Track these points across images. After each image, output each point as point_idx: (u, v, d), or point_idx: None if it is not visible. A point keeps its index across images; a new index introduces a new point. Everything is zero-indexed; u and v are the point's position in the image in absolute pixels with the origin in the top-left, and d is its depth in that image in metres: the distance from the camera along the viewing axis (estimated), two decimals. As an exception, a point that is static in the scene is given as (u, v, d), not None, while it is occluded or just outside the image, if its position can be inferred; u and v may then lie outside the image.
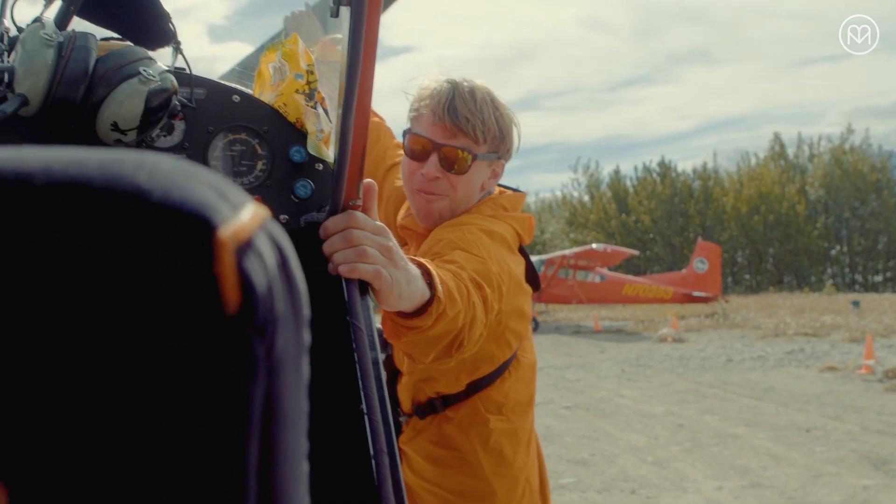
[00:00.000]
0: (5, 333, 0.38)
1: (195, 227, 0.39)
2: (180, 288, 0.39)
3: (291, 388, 0.45)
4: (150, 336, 0.39)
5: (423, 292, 1.55)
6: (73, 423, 0.38)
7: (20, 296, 0.38)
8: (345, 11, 1.27)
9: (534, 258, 28.36)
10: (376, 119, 2.77)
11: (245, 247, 0.41)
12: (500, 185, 2.40)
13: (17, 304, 0.38)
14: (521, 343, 2.31)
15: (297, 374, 0.46)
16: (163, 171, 0.41)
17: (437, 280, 1.59)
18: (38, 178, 0.39)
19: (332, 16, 1.29)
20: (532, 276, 2.31)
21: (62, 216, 0.38)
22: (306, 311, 0.47)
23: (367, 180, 1.52)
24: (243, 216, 0.42)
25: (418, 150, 2.18)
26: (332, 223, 1.49)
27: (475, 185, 2.23)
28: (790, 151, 52.55)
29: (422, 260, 1.63)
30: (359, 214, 1.50)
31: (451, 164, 2.15)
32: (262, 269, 0.42)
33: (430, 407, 2.32)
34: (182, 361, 0.39)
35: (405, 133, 2.25)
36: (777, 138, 53.14)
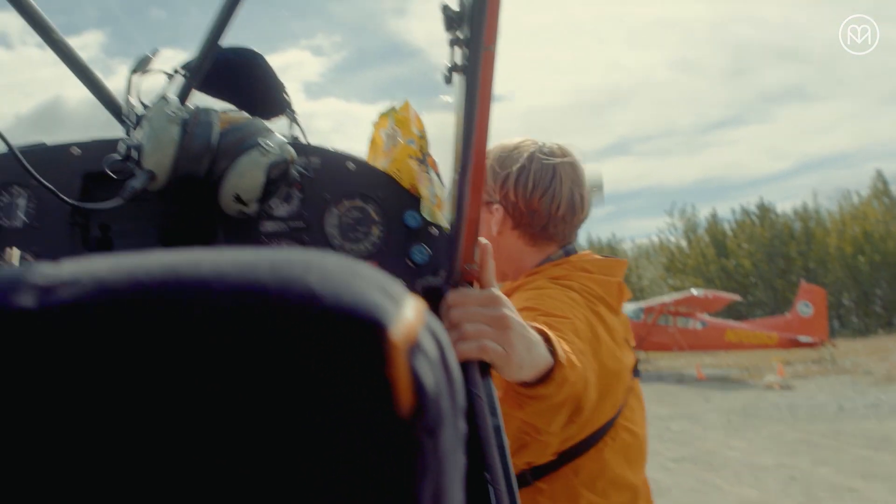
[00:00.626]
0: (185, 439, 0.38)
1: (368, 330, 0.40)
2: (356, 392, 0.39)
3: (453, 481, 0.46)
4: (325, 441, 0.39)
5: (545, 359, 1.52)
6: None
7: (198, 401, 0.38)
8: (457, 78, 1.29)
9: (632, 305, 28.00)
10: None
11: (414, 347, 0.41)
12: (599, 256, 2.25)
13: (197, 409, 0.38)
14: (620, 410, 2.13)
15: (456, 466, 0.47)
16: (331, 271, 0.42)
17: (557, 345, 1.56)
18: (215, 284, 0.40)
19: (445, 83, 1.32)
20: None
21: (239, 322, 0.39)
22: (462, 401, 0.48)
23: (480, 240, 1.52)
24: (409, 314, 0.43)
25: None
26: (443, 306, 1.49)
27: (489, 236, 2.15)
28: (894, 188, 50.81)
29: (540, 326, 1.60)
30: (461, 292, 1.49)
31: None
32: (430, 368, 0.42)
33: (522, 479, 2.09)
34: (356, 465, 0.39)
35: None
36: (879, 175, 51.43)
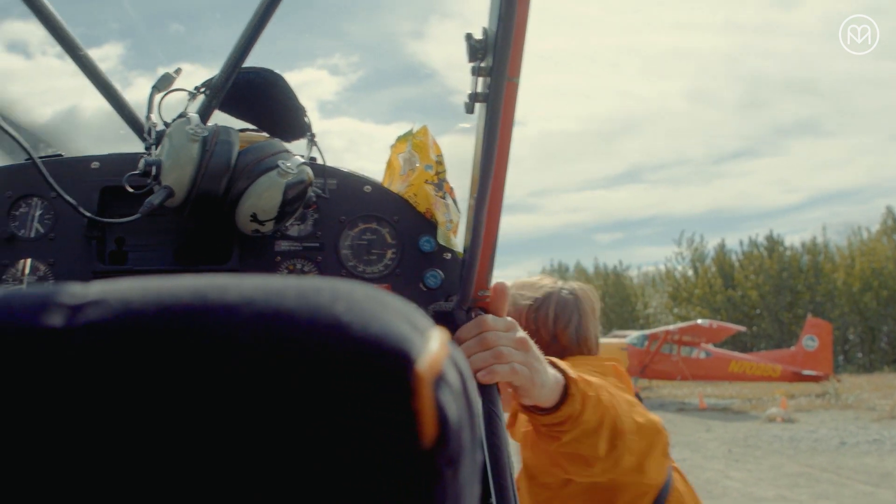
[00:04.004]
0: (206, 463, 0.38)
1: (395, 362, 0.40)
2: (381, 423, 0.40)
3: None
4: (348, 470, 0.39)
5: (556, 377, 1.55)
6: None
7: (221, 426, 0.38)
8: (479, 107, 1.32)
9: (636, 332, 27.88)
10: None
11: (439, 379, 0.42)
12: None
13: (220, 435, 0.38)
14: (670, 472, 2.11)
15: (473, 495, 0.47)
16: (358, 301, 0.42)
17: (565, 366, 1.59)
18: (242, 310, 0.40)
19: (466, 111, 1.33)
20: None
21: (266, 350, 0.39)
22: (481, 431, 0.49)
23: (499, 282, 1.55)
24: (433, 346, 0.43)
25: None
26: (465, 331, 1.52)
27: None
28: (903, 226, 50.50)
29: (551, 359, 1.62)
30: (488, 317, 1.52)
31: None
32: (453, 399, 0.43)
33: None
34: (377, 495, 0.40)
35: None
36: (890, 212, 51.03)
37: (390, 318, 0.42)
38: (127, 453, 0.38)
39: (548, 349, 2.15)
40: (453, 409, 0.42)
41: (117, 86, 1.83)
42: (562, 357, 2.17)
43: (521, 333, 1.52)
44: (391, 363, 0.40)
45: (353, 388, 0.39)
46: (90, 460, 0.38)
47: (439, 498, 0.41)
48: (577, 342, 2.26)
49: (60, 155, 1.72)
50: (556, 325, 2.25)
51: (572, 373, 1.58)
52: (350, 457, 0.39)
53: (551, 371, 1.55)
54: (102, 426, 0.38)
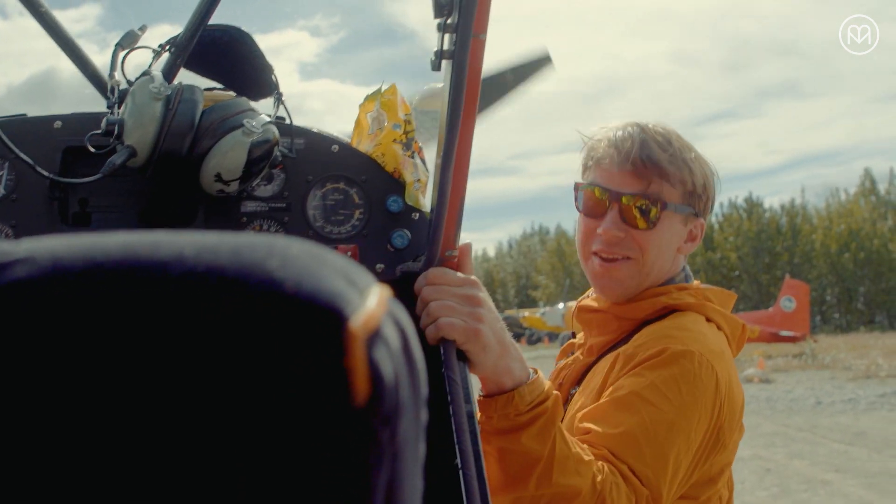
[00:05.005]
0: (133, 426, 0.38)
1: (327, 319, 0.39)
2: (311, 381, 0.39)
3: (410, 470, 0.46)
4: (278, 427, 0.39)
5: (523, 369, 1.47)
6: None
7: (145, 382, 0.38)
8: (446, 64, 1.30)
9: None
10: None
11: (374, 336, 0.41)
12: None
13: (145, 390, 0.38)
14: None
15: (415, 455, 0.47)
16: (293, 258, 0.41)
17: (546, 381, 1.50)
18: (173, 267, 0.39)
19: (433, 69, 1.32)
20: None
21: (196, 307, 0.39)
22: (425, 390, 0.48)
23: (465, 242, 1.54)
24: (371, 303, 0.42)
25: (592, 204, 1.84)
26: (417, 284, 1.50)
27: (668, 247, 1.84)
28: (881, 187, 51.06)
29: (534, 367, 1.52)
30: (438, 270, 1.50)
31: (636, 218, 1.79)
32: (389, 357, 0.42)
33: None
34: (308, 453, 0.39)
35: (577, 188, 1.90)
36: (868, 174, 51.68)
37: (325, 274, 0.41)
38: (54, 411, 0.37)
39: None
40: (388, 367, 0.41)
41: (88, 45, 1.79)
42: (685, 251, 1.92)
43: (474, 291, 1.47)
44: (322, 319, 0.39)
45: (283, 346, 0.38)
46: (18, 419, 0.37)
47: (375, 456, 0.41)
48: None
49: (24, 115, 1.68)
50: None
51: (547, 384, 1.49)
52: (281, 415, 0.38)
53: (515, 355, 1.47)
54: (30, 384, 0.38)
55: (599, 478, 1.47)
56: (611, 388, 1.67)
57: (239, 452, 0.38)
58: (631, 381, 1.64)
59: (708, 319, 1.83)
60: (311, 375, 0.39)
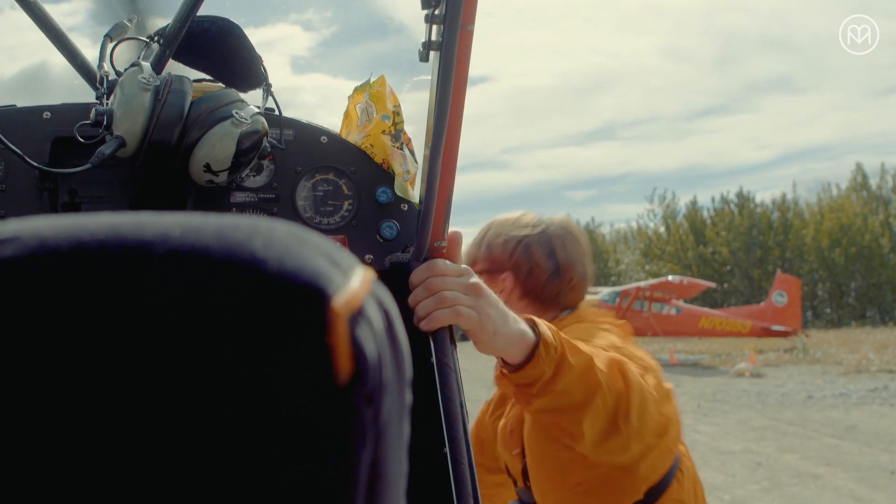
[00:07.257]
0: (117, 404, 0.38)
1: (310, 298, 0.40)
2: (293, 359, 0.39)
3: (394, 450, 0.46)
4: (260, 405, 0.39)
5: (525, 334, 1.49)
6: (189, 493, 0.39)
7: (131, 360, 0.38)
8: (434, 55, 1.30)
9: (608, 289, 28.07)
10: None
11: (357, 315, 0.42)
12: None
13: (129, 369, 0.38)
14: (677, 452, 2.03)
15: (399, 435, 0.47)
16: (277, 238, 0.42)
17: (542, 325, 1.53)
18: (157, 246, 0.40)
19: (420, 60, 1.33)
20: None
21: (180, 286, 0.39)
22: (409, 371, 0.49)
23: (454, 231, 1.55)
24: (354, 282, 0.43)
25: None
26: (415, 276, 1.52)
27: None
28: (873, 182, 51.04)
29: (528, 316, 1.57)
30: (439, 262, 1.52)
31: None
32: (373, 337, 0.42)
33: None
34: (292, 431, 0.40)
35: None
36: (859, 169, 51.65)
37: (308, 254, 0.42)
38: (40, 389, 0.38)
39: (543, 289, 2.19)
40: (371, 346, 0.42)
41: (77, 37, 1.79)
42: (562, 299, 2.21)
43: (474, 279, 1.50)
44: (305, 298, 0.40)
45: (266, 325, 0.39)
46: (3, 397, 0.38)
47: (358, 435, 0.42)
48: (584, 278, 2.24)
49: (14, 106, 1.67)
50: (555, 259, 2.20)
51: (549, 334, 1.52)
52: (264, 392, 0.39)
53: (519, 326, 1.50)
54: (15, 362, 0.38)
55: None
56: None
57: (221, 430, 0.39)
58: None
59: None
60: (294, 353, 0.39)
